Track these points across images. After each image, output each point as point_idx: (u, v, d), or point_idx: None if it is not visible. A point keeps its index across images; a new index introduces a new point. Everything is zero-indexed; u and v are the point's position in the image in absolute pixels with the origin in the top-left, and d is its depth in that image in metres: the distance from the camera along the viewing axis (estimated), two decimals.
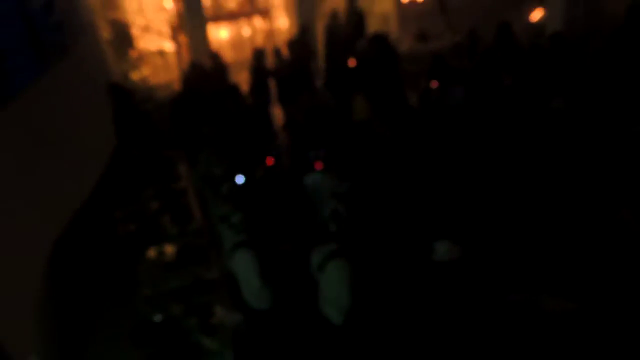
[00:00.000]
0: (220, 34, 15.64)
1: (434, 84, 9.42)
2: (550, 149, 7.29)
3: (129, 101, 10.19)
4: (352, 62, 10.70)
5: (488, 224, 6.30)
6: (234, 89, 9.37)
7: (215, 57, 11.08)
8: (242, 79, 11.05)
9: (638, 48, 8.82)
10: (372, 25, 13.49)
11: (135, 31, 14.67)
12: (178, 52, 14.32)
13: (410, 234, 6.07)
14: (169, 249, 7.26)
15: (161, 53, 14.72)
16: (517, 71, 9.25)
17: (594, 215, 5.75)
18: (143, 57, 14.39)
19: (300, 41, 11.46)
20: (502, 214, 6.48)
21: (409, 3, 13.90)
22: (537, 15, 13.32)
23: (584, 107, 7.93)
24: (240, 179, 7.48)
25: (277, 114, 11.10)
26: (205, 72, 10.80)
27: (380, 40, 10.78)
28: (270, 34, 15.15)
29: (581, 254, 5.42)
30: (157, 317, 6.18)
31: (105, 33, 12.78)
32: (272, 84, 10.71)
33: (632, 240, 5.18)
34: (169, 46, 14.76)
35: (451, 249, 5.18)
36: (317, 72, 11.30)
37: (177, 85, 12.11)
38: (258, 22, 15.58)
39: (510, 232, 6.14)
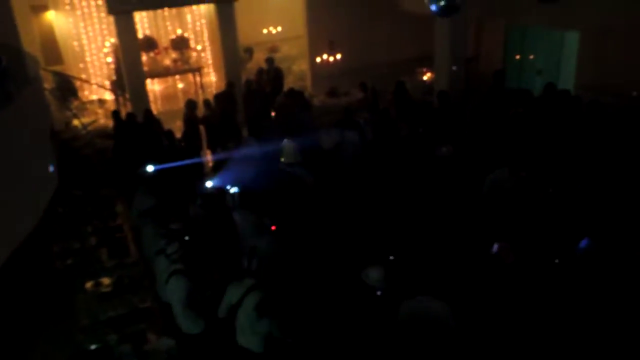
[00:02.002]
0: (155, 87, 15.30)
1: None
2: (440, 189, 7.48)
3: (69, 146, 9.75)
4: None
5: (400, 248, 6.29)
6: (169, 134, 9.14)
7: (129, 115, 10.75)
8: (175, 127, 10.80)
9: (503, 105, 9.36)
10: (290, 82, 13.62)
11: (77, 82, 14.08)
12: (117, 102, 13.81)
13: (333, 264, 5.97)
14: (106, 281, 6.87)
15: (101, 102, 14.15)
16: (411, 122, 9.54)
17: (475, 246, 5.87)
18: (84, 106, 13.80)
19: (227, 94, 11.38)
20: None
21: (322, 64, 14.12)
22: (426, 76, 13.93)
23: (467, 153, 8.22)
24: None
25: (207, 157, 10.92)
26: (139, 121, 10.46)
27: (296, 95, 10.87)
28: (201, 87, 15.00)
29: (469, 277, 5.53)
30: (93, 346, 5.79)
31: (47, 84, 12.19)
32: (202, 131, 10.54)
33: (504, 268, 5.36)
34: (108, 96, 14.23)
35: (384, 275, 5.01)
36: (242, 121, 11.22)
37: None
38: (190, 77, 15.39)
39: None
